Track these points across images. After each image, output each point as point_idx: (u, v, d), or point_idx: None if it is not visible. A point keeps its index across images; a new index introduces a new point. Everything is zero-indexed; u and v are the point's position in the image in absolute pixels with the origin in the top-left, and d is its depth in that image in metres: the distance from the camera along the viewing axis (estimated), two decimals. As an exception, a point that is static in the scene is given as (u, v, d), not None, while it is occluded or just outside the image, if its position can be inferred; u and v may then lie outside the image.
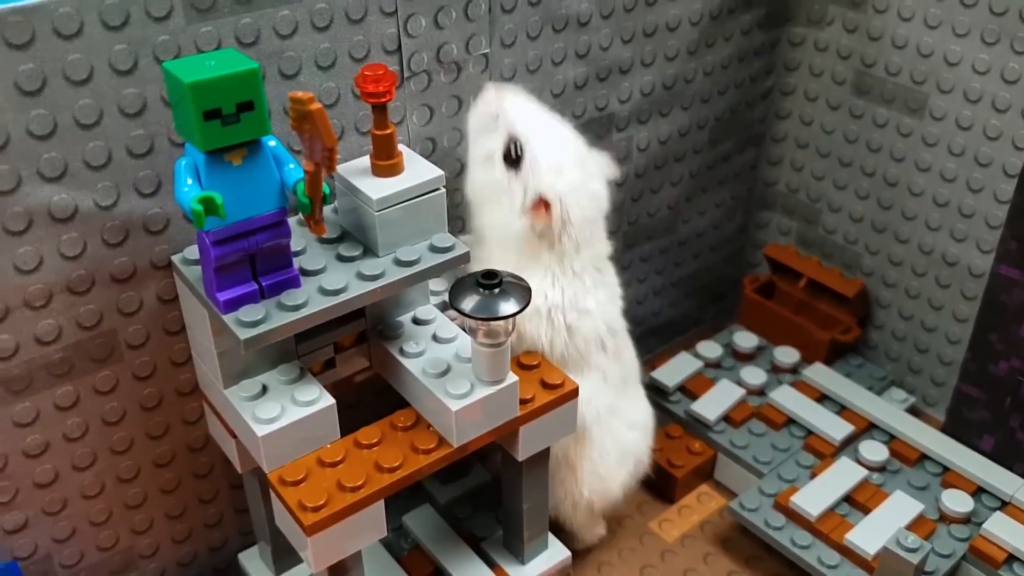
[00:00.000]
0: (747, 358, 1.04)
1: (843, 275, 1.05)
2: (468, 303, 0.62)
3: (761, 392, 0.99)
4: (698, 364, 1.02)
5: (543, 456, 0.73)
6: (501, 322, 0.63)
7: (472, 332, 0.64)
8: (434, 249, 0.66)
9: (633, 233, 1.00)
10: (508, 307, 0.62)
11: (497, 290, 0.62)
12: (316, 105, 0.53)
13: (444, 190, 0.66)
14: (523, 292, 0.63)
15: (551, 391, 0.70)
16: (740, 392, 0.98)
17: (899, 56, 0.93)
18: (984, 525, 0.83)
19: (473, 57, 0.76)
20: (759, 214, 1.12)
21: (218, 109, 0.54)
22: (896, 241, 1.01)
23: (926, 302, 1.00)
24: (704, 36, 0.92)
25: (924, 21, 0.90)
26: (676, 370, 1.01)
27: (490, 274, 0.62)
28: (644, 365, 1.07)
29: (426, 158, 0.75)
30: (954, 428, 0.94)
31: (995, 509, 0.86)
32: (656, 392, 1.00)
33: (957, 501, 0.86)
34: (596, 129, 0.89)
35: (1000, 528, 0.83)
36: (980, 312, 0.88)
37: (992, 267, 0.86)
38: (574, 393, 0.71)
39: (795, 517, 0.86)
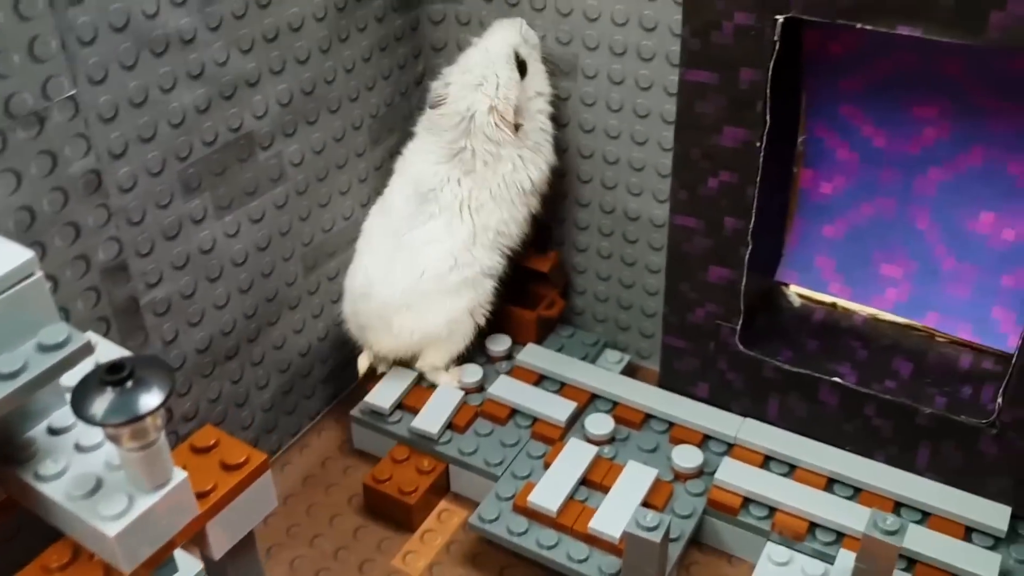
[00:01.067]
0: (460, 356, 0.99)
1: (535, 251, 1.02)
2: (98, 408, 0.51)
3: (480, 388, 0.95)
4: (411, 376, 0.95)
5: (247, 542, 0.63)
6: (147, 419, 0.52)
7: (114, 439, 0.53)
8: (43, 348, 0.54)
9: (312, 255, 0.91)
10: (150, 399, 0.51)
11: (130, 383, 0.51)
12: None
13: (41, 273, 0.54)
14: (163, 374, 0.53)
15: (235, 473, 0.60)
16: (459, 395, 0.93)
17: (541, 19, 0.90)
18: (716, 475, 0.83)
19: (56, 103, 0.64)
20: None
21: None
22: (578, 206, 0.99)
23: (619, 260, 0.99)
24: (334, 31, 0.84)
25: (556, -20, 0.88)
26: (390, 388, 0.94)
27: (115, 367, 0.52)
28: (359, 387, 1.00)
29: (24, 231, 0.63)
30: (668, 381, 0.94)
31: (723, 454, 0.86)
32: (375, 417, 0.92)
33: (686, 457, 0.85)
34: (236, 153, 0.79)
35: (730, 474, 0.83)
36: (667, 265, 0.88)
37: (669, 219, 0.85)
38: (265, 466, 0.62)
39: (537, 516, 0.82)
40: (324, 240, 0.92)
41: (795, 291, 0.93)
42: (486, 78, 0.86)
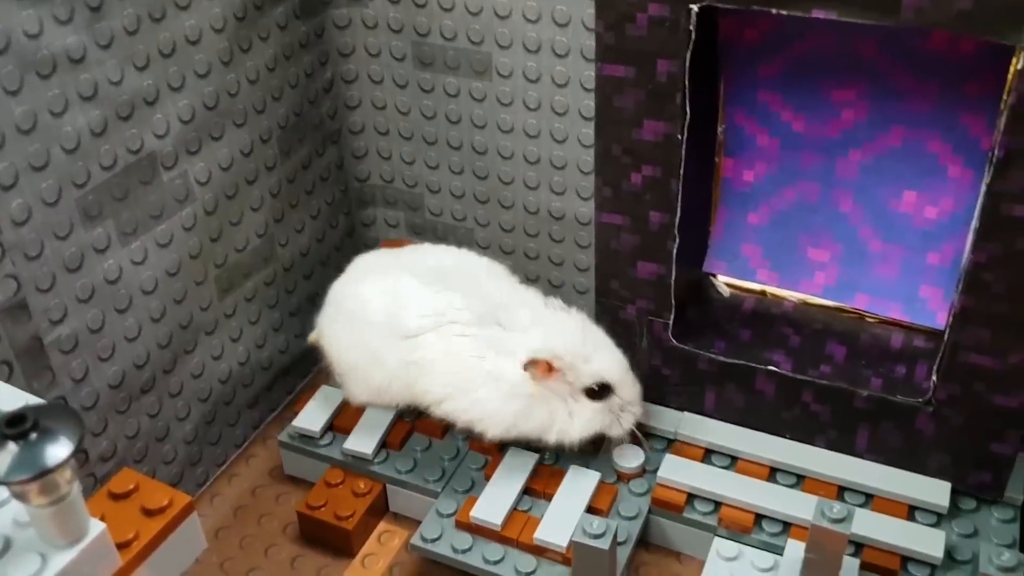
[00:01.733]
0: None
1: (461, 255, 1.00)
2: (0, 464, 0.47)
3: (414, 403, 0.92)
4: (340, 395, 0.92)
5: (177, 589, 0.60)
6: (56, 472, 0.48)
7: (21, 497, 0.49)
8: (-65, 404, 0.50)
9: (227, 277, 0.87)
10: (58, 451, 0.47)
11: (34, 434, 0.48)
12: None
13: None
14: (71, 422, 0.49)
15: (158, 518, 0.57)
16: (392, 410, 0.90)
17: (450, 19, 0.88)
18: (659, 473, 0.82)
19: (-69, 135, 0.59)
20: (362, 213, 1.03)
21: None
22: (502, 208, 0.96)
23: (547, 260, 0.98)
24: (235, 41, 0.81)
25: (463, -22, 0.85)
26: (319, 409, 0.90)
27: (16, 418, 0.48)
28: (286, 410, 0.97)
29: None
30: (606, 380, 0.92)
31: (663, 451, 0.85)
32: (304, 441, 0.89)
33: (628, 457, 0.84)
34: (138, 175, 0.74)
35: (672, 471, 0.82)
36: (596, 263, 0.86)
37: (595, 217, 0.84)
38: (189, 508, 0.58)
39: (481, 531, 0.79)
40: (238, 260, 0.88)
41: (724, 281, 0.93)
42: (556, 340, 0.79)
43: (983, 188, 0.68)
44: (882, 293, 0.85)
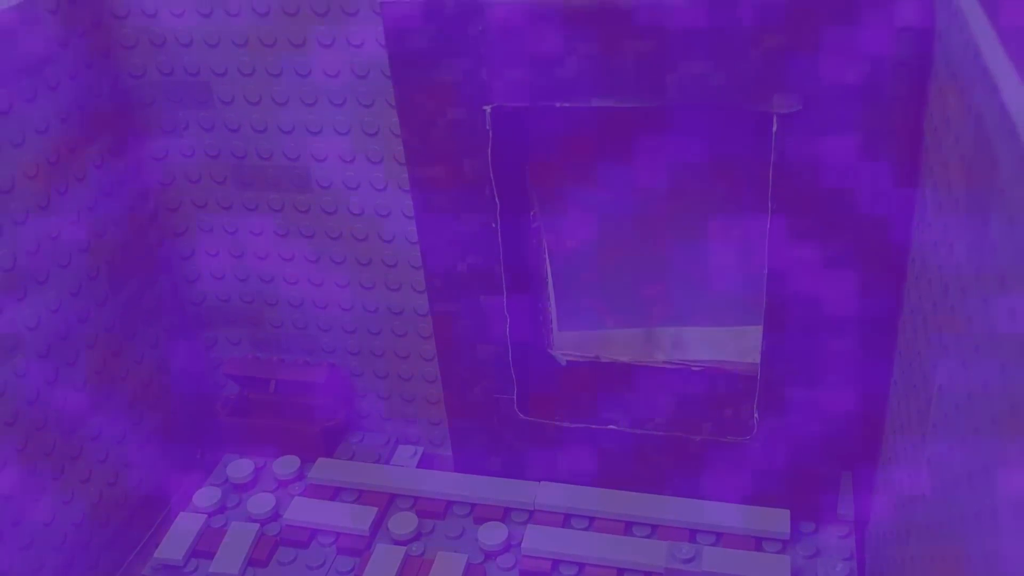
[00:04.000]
0: (249, 487, 0.96)
1: (309, 363, 1.02)
2: None
3: (275, 516, 0.92)
4: (201, 519, 0.91)
5: None
6: None
7: None
8: None
9: (67, 417, 0.86)
10: None
11: None
12: None
13: None
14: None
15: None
16: (254, 527, 0.90)
17: (266, 140, 0.91)
18: (523, 545, 0.85)
19: None
20: (205, 336, 1.04)
21: None
22: (342, 311, 0.99)
23: (393, 355, 1.00)
24: (46, 186, 0.81)
25: (272, 99, 0.89)
26: (181, 537, 0.89)
27: None
28: (145, 546, 0.95)
29: None
30: (464, 463, 0.95)
31: (525, 523, 0.88)
32: (169, 572, 0.88)
33: (491, 535, 0.86)
34: (-38, 331, 0.74)
35: (536, 541, 0.85)
36: (438, 351, 0.90)
37: (431, 308, 0.88)
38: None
39: (357, 633, 0.80)
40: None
41: (560, 351, 0.98)
42: None
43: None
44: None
